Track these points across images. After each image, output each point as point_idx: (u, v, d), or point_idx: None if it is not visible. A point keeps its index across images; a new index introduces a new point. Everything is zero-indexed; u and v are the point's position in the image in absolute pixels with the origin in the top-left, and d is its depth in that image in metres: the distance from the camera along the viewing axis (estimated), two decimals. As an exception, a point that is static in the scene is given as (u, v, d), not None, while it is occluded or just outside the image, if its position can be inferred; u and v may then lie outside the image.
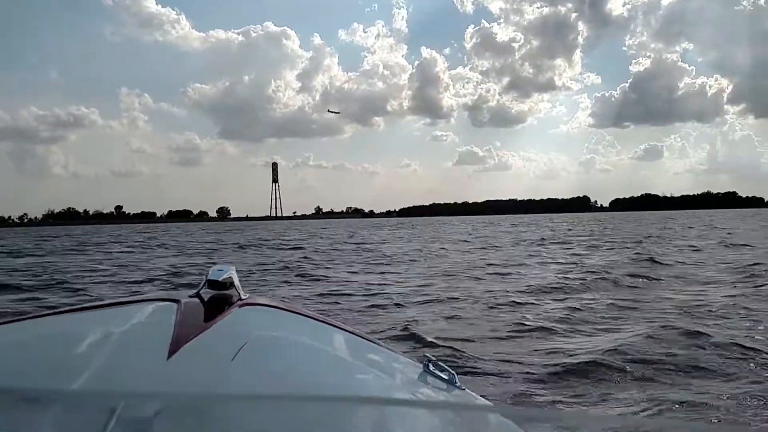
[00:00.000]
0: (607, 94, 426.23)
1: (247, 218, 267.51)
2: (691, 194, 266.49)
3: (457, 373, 1.34)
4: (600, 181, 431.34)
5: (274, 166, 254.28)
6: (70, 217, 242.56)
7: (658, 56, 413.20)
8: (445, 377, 1.31)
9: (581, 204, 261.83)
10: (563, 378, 4.26)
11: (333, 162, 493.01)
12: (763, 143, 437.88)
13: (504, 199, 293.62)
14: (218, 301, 1.45)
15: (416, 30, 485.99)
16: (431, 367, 1.34)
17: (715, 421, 3.30)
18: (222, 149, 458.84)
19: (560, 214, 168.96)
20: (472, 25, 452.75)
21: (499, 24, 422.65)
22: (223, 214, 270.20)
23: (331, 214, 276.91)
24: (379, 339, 1.79)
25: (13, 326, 1.39)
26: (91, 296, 9.44)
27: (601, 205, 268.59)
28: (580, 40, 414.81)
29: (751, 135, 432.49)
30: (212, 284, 1.50)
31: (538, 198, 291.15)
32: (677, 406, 3.56)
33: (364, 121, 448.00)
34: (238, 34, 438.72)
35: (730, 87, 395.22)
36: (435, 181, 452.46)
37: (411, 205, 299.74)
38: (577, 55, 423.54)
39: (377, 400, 1.04)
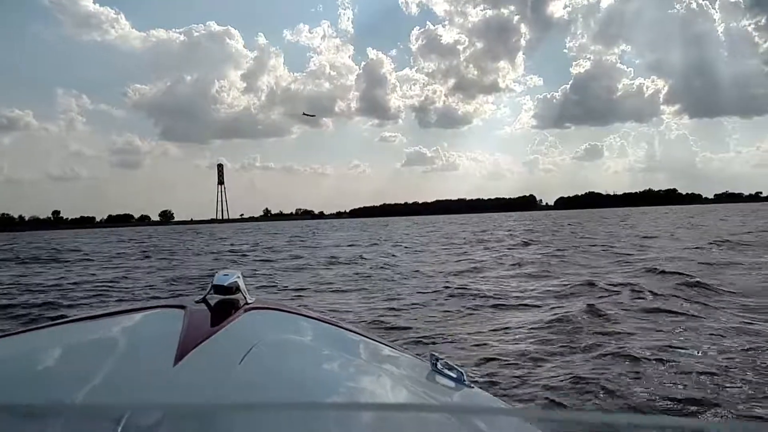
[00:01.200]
0: (549, 96, 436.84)
1: (191, 222, 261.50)
2: (633, 192, 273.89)
3: (465, 370, 1.34)
4: (544, 180, 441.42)
5: (220, 167, 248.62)
6: (5, 223, 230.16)
7: (597, 58, 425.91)
8: (454, 375, 1.32)
9: (528, 203, 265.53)
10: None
11: (281, 163, 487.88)
12: (698, 142, 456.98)
13: (454, 198, 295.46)
14: (225, 306, 1.45)
15: (362, 31, 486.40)
16: (439, 366, 1.36)
17: (721, 419, 3.32)
18: (164, 151, 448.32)
19: (509, 213, 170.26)
20: (418, 27, 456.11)
21: (443, 26, 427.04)
22: (166, 217, 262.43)
23: (281, 216, 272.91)
24: (386, 339, 1.85)
25: (19, 337, 1.42)
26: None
27: (547, 203, 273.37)
28: (523, 42, 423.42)
29: (686, 134, 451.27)
30: (218, 289, 1.51)
31: (486, 197, 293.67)
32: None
33: (312, 121, 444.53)
34: (180, 33, 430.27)
35: (666, 88, 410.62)
36: (385, 181, 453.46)
37: (362, 206, 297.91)
38: (520, 57, 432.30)
39: (387, 406, 1.05)
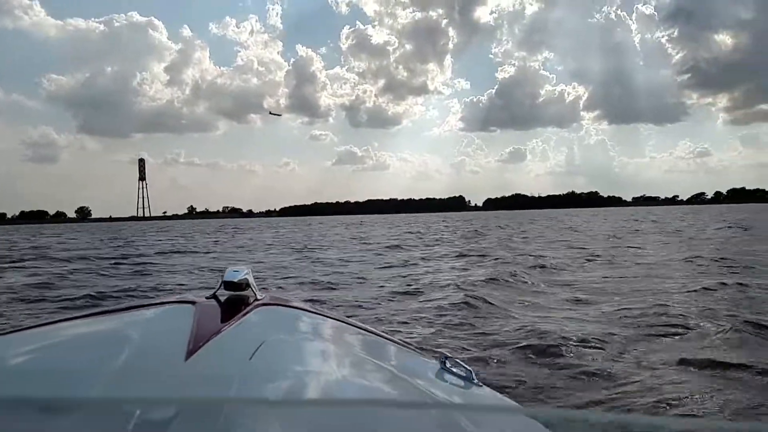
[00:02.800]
0: (475, 100, 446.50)
1: (110, 219, 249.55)
2: (557, 194, 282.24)
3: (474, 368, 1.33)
4: (471, 181, 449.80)
5: (141, 162, 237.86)
6: None
7: (522, 64, 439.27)
8: (463, 374, 1.32)
9: (458, 203, 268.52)
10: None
11: (206, 159, 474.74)
12: (615, 147, 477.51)
13: (385, 198, 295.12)
14: (235, 303, 1.48)
15: (291, 27, 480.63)
16: (448, 365, 1.36)
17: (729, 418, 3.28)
18: (82, 145, 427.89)
19: (439, 213, 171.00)
20: (348, 26, 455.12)
21: (373, 26, 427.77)
22: (83, 214, 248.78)
23: (206, 214, 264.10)
24: (396, 336, 1.86)
25: (32, 332, 1.42)
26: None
27: (476, 204, 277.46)
28: (451, 45, 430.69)
29: (605, 139, 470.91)
30: (228, 285, 1.53)
31: (417, 197, 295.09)
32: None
33: (239, 117, 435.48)
34: (100, 23, 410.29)
35: (586, 95, 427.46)
36: (315, 180, 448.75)
37: (292, 205, 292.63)
38: (448, 60, 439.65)
39: (395, 402, 1.05)
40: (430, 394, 1.15)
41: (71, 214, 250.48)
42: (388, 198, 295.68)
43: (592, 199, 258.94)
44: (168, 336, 1.25)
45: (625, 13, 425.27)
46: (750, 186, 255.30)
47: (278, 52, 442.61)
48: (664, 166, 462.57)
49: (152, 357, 1.10)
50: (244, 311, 1.39)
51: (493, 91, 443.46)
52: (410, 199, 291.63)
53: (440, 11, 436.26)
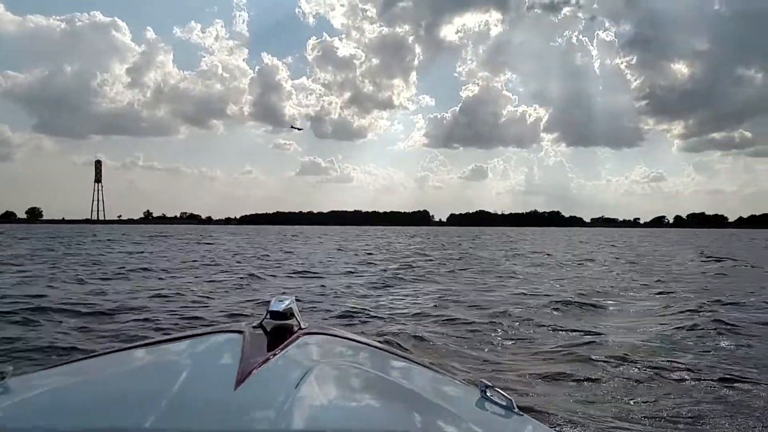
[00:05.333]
0: (439, 116, 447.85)
1: (63, 221, 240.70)
2: (520, 212, 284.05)
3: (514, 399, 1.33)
4: (434, 197, 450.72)
5: (98, 164, 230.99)
6: None
7: (485, 84, 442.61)
8: (504, 403, 1.31)
9: (422, 218, 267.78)
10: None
11: (166, 164, 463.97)
12: (573, 169, 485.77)
13: (350, 210, 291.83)
14: (280, 331, 1.53)
15: (257, 35, 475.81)
16: (488, 393, 1.35)
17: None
18: (38, 144, 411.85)
19: (404, 227, 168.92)
20: (314, 37, 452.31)
21: (340, 39, 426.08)
22: (34, 215, 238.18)
23: (163, 220, 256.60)
24: (435, 364, 1.89)
25: (88, 362, 1.52)
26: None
27: (440, 219, 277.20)
28: (416, 62, 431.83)
29: (563, 161, 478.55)
30: (274, 315, 1.59)
31: (381, 210, 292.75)
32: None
33: (201, 123, 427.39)
34: (61, 20, 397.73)
35: (546, 116, 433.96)
36: (278, 189, 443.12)
37: (253, 213, 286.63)
38: (414, 76, 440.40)
39: (437, 424, 1.09)
40: (470, 423, 1.15)
41: (21, 215, 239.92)
42: (352, 210, 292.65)
43: (554, 219, 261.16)
44: (218, 365, 1.32)
45: (586, 38, 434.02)
46: (709, 211, 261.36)
47: (243, 59, 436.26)
48: (620, 189, 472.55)
49: (203, 386, 1.14)
50: (290, 340, 1.44)
51: (457, 108, 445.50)
52: (375, 211, 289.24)
53: (407, 27, 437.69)
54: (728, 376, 4.63)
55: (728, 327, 6.53)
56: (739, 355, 5.42)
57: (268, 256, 21.53)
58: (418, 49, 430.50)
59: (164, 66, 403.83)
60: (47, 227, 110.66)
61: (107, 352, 1.58)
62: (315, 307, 8.45)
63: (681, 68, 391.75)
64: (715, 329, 6.43)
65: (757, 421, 3.64)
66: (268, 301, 1.66)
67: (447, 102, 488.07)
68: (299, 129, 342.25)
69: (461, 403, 1.34)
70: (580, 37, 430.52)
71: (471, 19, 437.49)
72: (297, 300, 1.76)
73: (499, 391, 1.35)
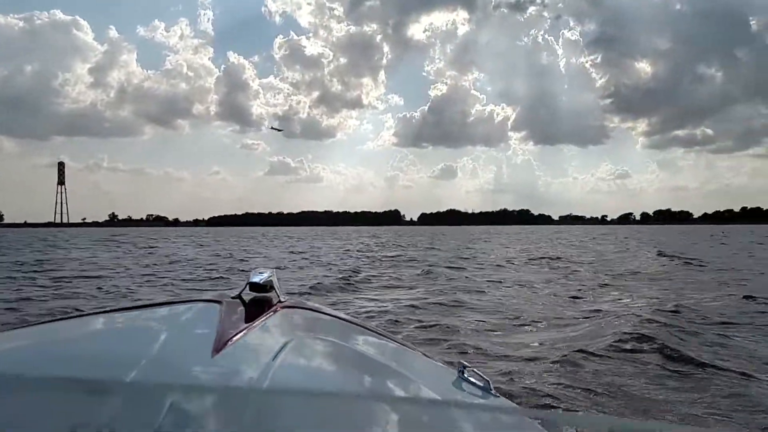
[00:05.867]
0: (408, 116, 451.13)
1: (25, 224, 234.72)
2: (490, 211, 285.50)
3: (492, 380, 1.33)
4: (405, 196, 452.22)
5: (61, 166, 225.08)
6: None
7: (453, 83, 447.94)
8: (481, 384, 1.32)
9: (393, 218, 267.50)
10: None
11: (131, 165, 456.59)
12: (541, 167, 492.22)
13: (320, 210, 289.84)
14: (259, 303, 1.52)
15: (223, 34, 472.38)
16: (466, 374, 1.36)
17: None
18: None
19: (375, 227, 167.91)
20: (281, 36, 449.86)
21: (308, 38, 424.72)
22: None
23: (129, 222, 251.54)
24: (414, 344, 1.85)
25: (68, 323, 1.53)
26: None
27: (411, 219, 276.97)
28: (385, 61, 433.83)
29: (531, 159, 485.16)
30: (253, 287, 1.58)
31: (352, 210, 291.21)
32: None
33: (167, 123, 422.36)
34: (20, 19, 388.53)
35: (514, 115, 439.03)
36: (247, 190, 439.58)
37: (222, 214, 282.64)
38: (382, 75, 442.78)
39: (413, 400, 1.10)
40: (446, 401, 1.16)
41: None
42: (323, 210, 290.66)
43: (523, 217, 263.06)
44: (195, 333, 1.29)
45: (551, 37, 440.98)
46: (674, 208, 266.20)
47: (209, 58, 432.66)
48: (586, 187, 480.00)
49: (180, 352, 1.12)
50: (268, 312, 1.43)
51: (426, 108, 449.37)
52: (345, 211, 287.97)
53: (375, 26, 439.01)
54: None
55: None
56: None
57: (195, 259, 19.79)
58: (386, 48, 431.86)
59: (128, 65, 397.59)
60: (7, 231, 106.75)
61: (76, 316, 1.57)
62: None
63: (644, 67, 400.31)
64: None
65: None
66: (249, 272, 1.66)
67: (416, 101, 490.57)
68: (279, 130, 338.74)
69: (438, 383, 1.34)
70: (546, 36, 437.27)
71: (438, 18, 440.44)
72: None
73: (477, 372, 1.35)
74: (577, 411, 3.58)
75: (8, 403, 0.82)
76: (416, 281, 11.86)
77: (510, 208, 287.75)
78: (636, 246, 27.50)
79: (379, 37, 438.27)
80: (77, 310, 6.28)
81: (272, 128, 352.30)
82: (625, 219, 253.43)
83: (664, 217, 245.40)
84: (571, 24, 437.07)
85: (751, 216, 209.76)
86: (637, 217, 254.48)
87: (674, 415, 3.57)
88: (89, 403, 0.82)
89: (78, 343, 1.28)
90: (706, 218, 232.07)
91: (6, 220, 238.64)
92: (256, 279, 1.59)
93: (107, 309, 1.67)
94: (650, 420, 3.51)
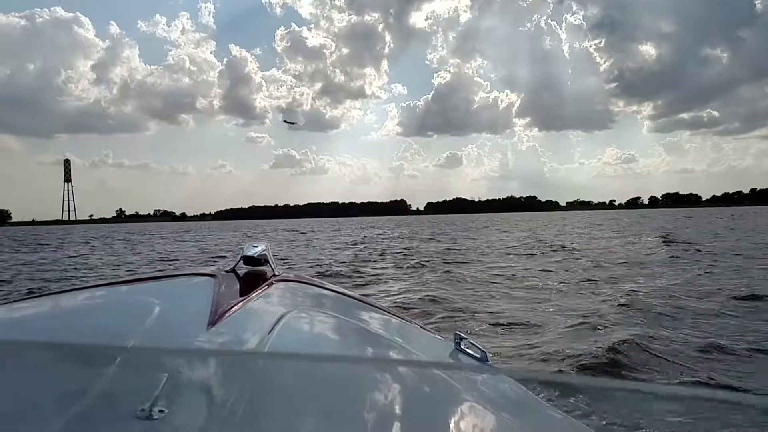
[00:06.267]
0: (412, 105, 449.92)
1: (33, 222, 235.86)
2: (497, 198, 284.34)
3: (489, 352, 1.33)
4: (410, 185, 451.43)
5: (66, 163, 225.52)
6: None
7: (456, 71, 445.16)
8: (477, 356, 1.30)
9: (399, 207, 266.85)
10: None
11: (136, 161, 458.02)
12: (546, 153, 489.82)
13: (326, 201, 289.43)
14: (253, 277, 1.52)
15: (224, 27, 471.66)
16: (462, 345, 1.34)
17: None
18: (2, 145, 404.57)
19: (381, 217, 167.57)
20: (283, 27, 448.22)
21: (309, 29, 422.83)
22: (2, 218, 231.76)
23: (136, 218, 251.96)
24: (411, 317, 1.87)
25: (66, 295, 1.55)
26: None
27: (418, 208, 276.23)
28: (387, 50, 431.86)
29: (536, 146, 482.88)
30: (247, 260, 1.57)
31: (359, 201, 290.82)
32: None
33: (171, 118, 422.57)
34: (21, 17, 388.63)
35: (518, 102, 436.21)
36: (252, 183, 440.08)
37: (228, 208, 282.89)
38: (385, 65, 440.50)
39: (410, 371, 1.09)
40: (443, 372, 1.14)
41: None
42: (329, 201, 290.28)
43: (531, 204, 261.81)
44: (190, 307, 1.28)
45: (554, 22, 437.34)
46: (681, 190, 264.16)
47: (211, 52, 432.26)
48: (592, 172, 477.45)
49: (175, 326, 1.12)
50: (263, 285, 1.42)
51: (430, 96, 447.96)
52: (351, 202, 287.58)
53: (376, 15, 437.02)
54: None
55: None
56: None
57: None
58: (388, 37, 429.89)
59: (130, 61, 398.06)
60: (16, 230, 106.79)
61: (72, 289, 1.57)
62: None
63: (649, 50, 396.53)
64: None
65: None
66: (242, 246, 1.64)
67: (419, 90, 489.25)
68: (292, 123, 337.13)
69: (435, 354, 1.35)
70: (549, 21, 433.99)
71: (440, 6, 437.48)
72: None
73: (474, 343, 1.33)
74: (571, 373, 3.65)
75: (8, 369, 0.84)
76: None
77: (517, 195, 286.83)
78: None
79: (380, 27, 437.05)
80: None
81: (285, 122, 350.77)
82: (634, 203, 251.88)
83: (672, 200, 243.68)
84: (574, 8, 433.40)
85: (762, 197, 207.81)
86: (645, 201, 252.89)
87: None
88: (85, 373, 0.85)
89: (74, 315, 1.29)
90: (716, 200, 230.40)
91: (14, 218, 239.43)
92: (250, 252, 1.57)
93: (104, 282, 1.66)
94: (643, 382, 3.58)
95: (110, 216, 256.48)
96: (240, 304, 1.23)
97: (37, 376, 0.83)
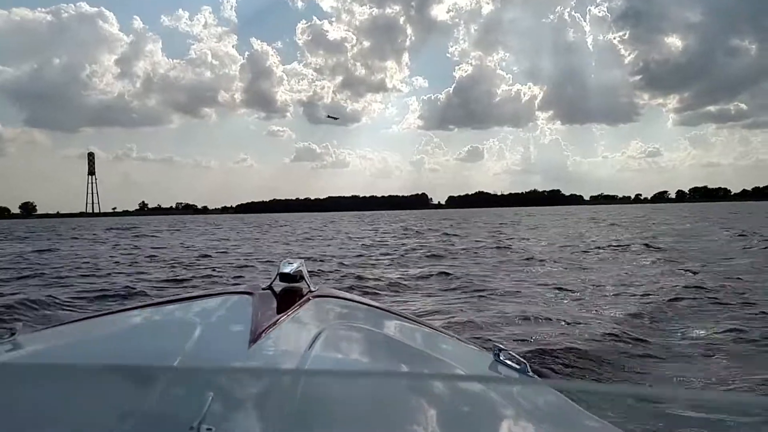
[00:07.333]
0: (433, 98, 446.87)
1: (58, 215, 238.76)
2: (519, 192, 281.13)
3: (530, 363, 1.29)
4: (431, 179, 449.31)
5: (91, 156, 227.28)
6: None
7: (478, 63, 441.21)
8: (517, 366, 1.30)
9: (420, 201, 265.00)
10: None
11: (159, 154, 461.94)
12: (569, 147, 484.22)
13: (347, 195, 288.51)
14: (290, 294, 1.52)
15: (246, 20, 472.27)
16: (502, 357, 1.34)
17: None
18: (29, 138, 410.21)
19: (403, 211, 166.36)
20: (304, 21, 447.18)
21: (330, 22, 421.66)
22: (28, 210, 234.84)
23: (159, 210, 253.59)
24: (448, 329, 1.83)
25: (97, 321, 1.56)
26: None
27: (439, 202, 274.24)
28: (408, 43, 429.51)
29: (559, 139, 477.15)
30: (283, 277, 1.58)
31: (379, 195, 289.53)
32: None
33: (193, 111, 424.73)
34: (47, 13, 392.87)
35: (541, 95, 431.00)
36: (273, 176, 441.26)
37: (249, 201, 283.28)
38: (406, 57, 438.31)
39: (450, 384, 1.07)
40: (483, 384, 1.14)
41: (15, 210, 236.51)
42: (350, 195, 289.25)
43: (554, 198, 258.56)
44: (229, 326, 1.31)
45: (578, 14, 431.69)
46: (708, 185, 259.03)
47: (233, 46, 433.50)
48: (616, 165, 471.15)
49: (216, 345, 1.14)
50: (300, 302, 1.43)
51: (451, 89, 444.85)
52: (372, 196, 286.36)
53: (397, 8, 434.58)
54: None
55: None
56: None
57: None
58: (409, 30, 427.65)
59: (153, 55, 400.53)
60: (42, 222, 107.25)
61: (115, 311, 1.59)
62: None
63: (674, 41, 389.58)
64: None
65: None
66: (278, 264, 1.67)
67: (440, 83, 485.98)
68: (335, 118, 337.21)
69: (475, 366, 1.34)
70: (573, 12, 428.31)
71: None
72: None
73: (513, 354, 1.33)
74: (613, 383, 3.48)
75: (58, 391, 0.85)
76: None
77: (539, 189, 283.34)
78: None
79: (402, 19, 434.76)
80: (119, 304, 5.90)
81: (328, 116, 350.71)
82: (660, 197, 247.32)
83: (700, 194, 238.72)
84: (598, 0, 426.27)
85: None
86: (672, 195, 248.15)
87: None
88: (135, 392, 0.87)
89: (120, 337, 1.30)
90: (746, 195, 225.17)
91: (39, 211, 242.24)
92: (286, 269, 1.58)
93: (144, 303, 1.68)
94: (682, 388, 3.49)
95: (133, 209, 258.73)
96: (278, 321, 1.23)
97: (87, 398, 0.85)
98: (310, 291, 1.55)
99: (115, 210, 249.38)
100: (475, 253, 13.88)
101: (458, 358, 1.37)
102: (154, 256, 15.12)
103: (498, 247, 15.33)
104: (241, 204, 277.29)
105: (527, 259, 11.87)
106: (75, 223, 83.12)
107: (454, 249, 15.19)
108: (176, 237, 27.25)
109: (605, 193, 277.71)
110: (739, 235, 16.07)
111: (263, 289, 1.53)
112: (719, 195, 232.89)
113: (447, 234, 23.77)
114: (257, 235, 27.74)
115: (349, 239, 22.10)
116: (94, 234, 32.69)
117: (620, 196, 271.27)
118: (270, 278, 1.59)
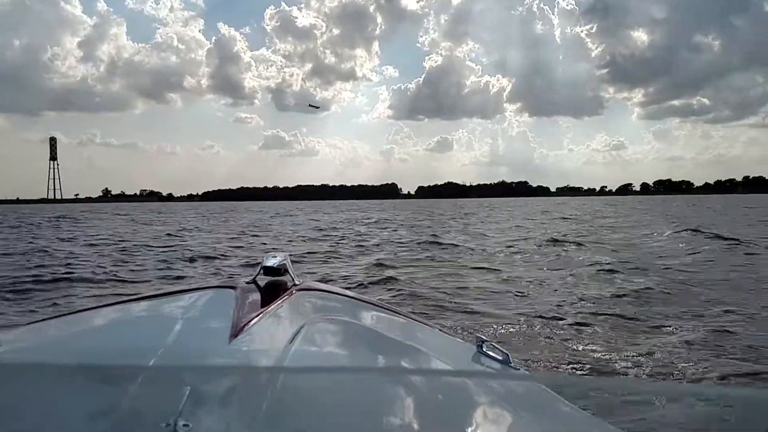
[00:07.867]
0: (403, 87, 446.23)
1: (17, 201, 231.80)
2: (488, 183, 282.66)
3: (512, 354, 1.31)
4: (401, 169, 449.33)
5: (53, 141, 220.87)
6: None
7: (448, 54, 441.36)
8: (500, 358, 1.31)
9: (390, 191, 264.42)
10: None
11: (123, 140, 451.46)
12: (536, 139, 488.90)
13: (317, 184, 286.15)
14: (274, 287, 1.53)
15: (213, 5, 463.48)
16: (485, 348, 1.34)
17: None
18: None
19: (372, 201, 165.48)
20: (272, 6, 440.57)
21: (299, 9, 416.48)
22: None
23: (122, 197, 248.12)
24: (430, 321, 1.90)
25: (88, 314, 1.55)
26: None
27: (409, 192, 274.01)
28: (378, 32, 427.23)
29: (526, 131, 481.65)
30: (267, 271, 1.59)
31: (349, 184, 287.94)
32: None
33: (158, 97, 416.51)
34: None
35: (509, 87, 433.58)
36: (241, 164, 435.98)
37: (216, 189, 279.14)
38: (376, 46, 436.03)
39: (433, 376, 1.10)
40: (466, 376, 1.15)
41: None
42: (319, 184, 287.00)
43: (521, 189, 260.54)
44: (211, 320, 1.30)
45: (546, 6, 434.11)
46: (671, 178, 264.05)
47: (199, 30, 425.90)
48: (582, 158, 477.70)
49: (197, 340, 1.13)
50: (284, 295, 1.43)
51: (421, 79, 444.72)
52: (342, 185, 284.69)
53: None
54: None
55: None
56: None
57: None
58: (379, 19, 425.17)
59: (117, 38, 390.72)
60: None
61: (94, 308, 1.59)
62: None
63: (640, 36, 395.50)
64: None
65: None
66: (262, 258, 1.63)
67: (411, 73, 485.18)
68: (317, 107, 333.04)
69: (458, 358, 1.34)
70: (541, 5, 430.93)
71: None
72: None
73: (496, 345, 1.33)
74: (594, 375, 3.54)
75: (34, 391, 0.85)
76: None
77: (508, 180, 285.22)
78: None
79: (372, 7, 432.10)
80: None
81: (310, 105, 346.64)
82: (625, 190, 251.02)
83: (664, 187, 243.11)
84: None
85: (754, 185, 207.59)
86: (637, 188, 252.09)
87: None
88: (111, 390, 0.86)
89: (97, 334, 1.30)
90: (708, 188, 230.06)
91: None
92: (269, 263, 1.58)
93: (125, 299, 1.67)
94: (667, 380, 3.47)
95: (96, 196, 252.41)
96: (261, 315, 1.22)
97: (63, 396, 0.84)
98: (294, 284, 1.55)
99: (78, 196, 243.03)
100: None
101: (441, 351, 1.35)
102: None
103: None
104: (208, 191, 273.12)
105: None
106: (32, 209, 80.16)
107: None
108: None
109: (571, 185, 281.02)
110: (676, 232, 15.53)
111: (247, 283, 1.53)
112: (682, 188, 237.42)
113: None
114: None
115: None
116: (31, 223, 30.99)
117: (585, 188, 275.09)
118: (254, 272, 1.59)
